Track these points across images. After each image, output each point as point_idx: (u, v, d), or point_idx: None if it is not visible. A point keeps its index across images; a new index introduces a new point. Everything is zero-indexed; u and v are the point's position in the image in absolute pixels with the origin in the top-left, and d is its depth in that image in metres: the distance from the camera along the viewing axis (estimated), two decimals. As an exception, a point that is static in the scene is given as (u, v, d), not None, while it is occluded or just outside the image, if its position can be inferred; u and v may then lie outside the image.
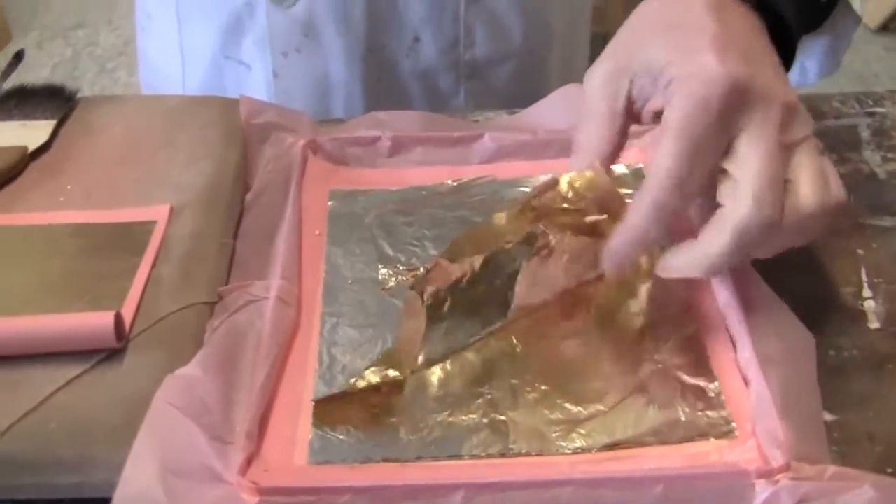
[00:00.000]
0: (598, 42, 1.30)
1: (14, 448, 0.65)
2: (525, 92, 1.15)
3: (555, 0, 1.18)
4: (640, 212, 0.67)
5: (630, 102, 0.73)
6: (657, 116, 0.70)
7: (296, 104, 1.05)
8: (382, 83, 1.12)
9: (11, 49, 3.22)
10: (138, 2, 1.23)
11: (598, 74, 0.73)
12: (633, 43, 0.73)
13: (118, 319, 0.69)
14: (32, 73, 0.90)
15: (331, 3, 1.05)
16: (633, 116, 0.74)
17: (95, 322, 0.69)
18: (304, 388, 0.71)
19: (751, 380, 0.69)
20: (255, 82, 1.13)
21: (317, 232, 0.84)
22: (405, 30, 1.09)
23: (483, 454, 0.66)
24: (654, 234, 0.67)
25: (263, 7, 1.07)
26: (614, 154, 0.74)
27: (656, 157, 0.66)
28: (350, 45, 1.08)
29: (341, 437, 0.67)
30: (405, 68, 1.12)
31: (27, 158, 0.90)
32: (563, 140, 0.91)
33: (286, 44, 1.09)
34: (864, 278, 0.79)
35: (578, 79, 1.28)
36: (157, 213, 0.82)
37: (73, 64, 3.42)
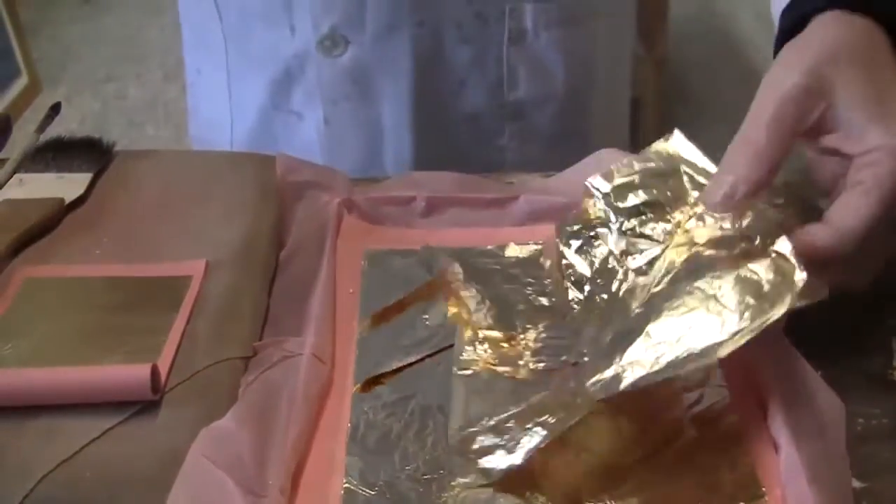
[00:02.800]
0: (631, 106, 1.31)
1: (48, 496, 0.65)
2: (568, 131, 1.18)
3: (597, 41, 1.19)
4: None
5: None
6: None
7: (346, 150, 1.09)
8: (430, 127, 1.13)
9: (45, 102, 3.26)
10: (188, 59, 1.25)
11: (792, 87, 0.72)
12: (830, 69, 0.72)
13: (154, 372, 0.70)
14: (62, 126, 0.91)
15: (378, 50, 1.07)
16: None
17: (132, 374, 0.70)
18: (336, 446, 0.71)
19: (781, 445, 0.69)
20: (305, 130, 1.14)
21: (350, 290, 0.85)
22: (452, 74, 1.10)
23: None
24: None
25: (314, 58, 1.08)
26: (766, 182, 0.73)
27: (844, 209, 0.69)
28: (398, 90, 1.10)
29: (373, 493, 0.67)
30: (452, 111, 1.13)
31: (63, 210, 0.91)
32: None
33: (336, 91, 1.10)
34: (894, 348, 0.79)
35: (620, 121, 1.31)
36: (193, 268, 0.83)
37: (101, 117, 3.45)
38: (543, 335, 0.79)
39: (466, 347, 0.77)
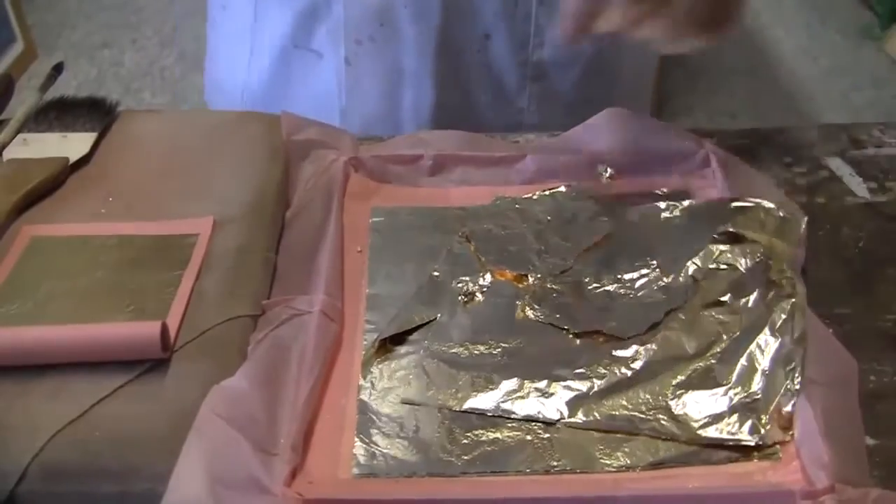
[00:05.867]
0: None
1: (58, 457, 0.65)
2: (589, 98, 1.15)
3: None
4: None
5: None
6: None
7: (364, 93, 1.08)
8: (451, 78, 1.11)
9: (41, 69, 3.24)
10: None
11: None
12: None
13: (164, 330, 0.69)
14: (57, 93, 0.90)
15: None
16: None
17: (142, 332, 0.69)
18: (347, 402, 0.71)
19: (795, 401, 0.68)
20: (324, 71, 1.12)
21: (358, 249, 0.84)
22: (478, 25, 1.09)
23: (527, 470, 0.66)
24: None
25: None
26: None
27: None
28: (423, 36, 1.08)
29: (386, 451, 0.67)
30: (474, 64, 1.11)
31: (68, 170, 0.90)
32: (608, 162, 0.91)
33: (360, 32, 1.08)
34: (906, 305, 0.79)
35: (645, 90, 1.29)
36: (201, 225, 0.82)
37: (97, 84, 3.43)
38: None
39: None
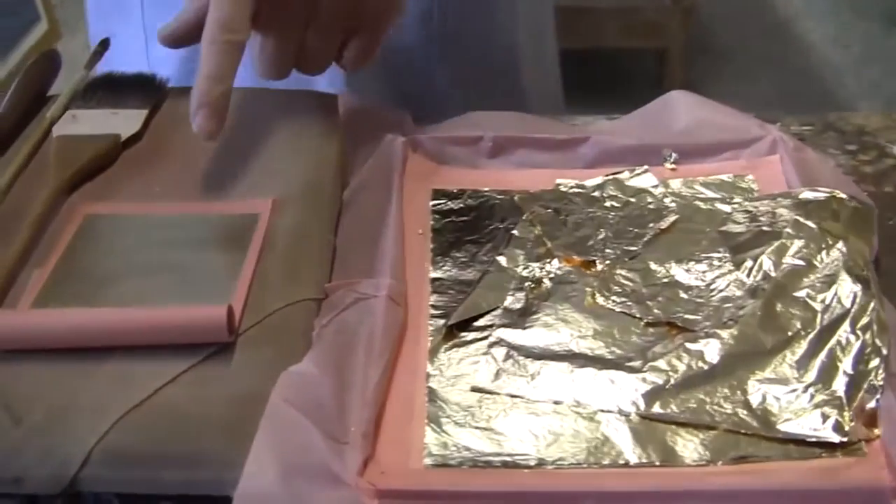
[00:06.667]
0: (653, 58, 1.29)
1: (122, 441, 0.62)
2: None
3: None
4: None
5: None
6: None
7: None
8: None
9: (65, 48, 3.22)
10: (93, 28, 1.29)
11: None
12: None
13: (230, 313, 0.67)
14: (79, 73, 0.89)
15: None
16: None
17: (207, 315, 0.67)
18: (415, 390, 0.69)
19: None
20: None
21: (419, 231, 0.82)
22: None
23: (605, 462, 0.64)
24: None
25: None
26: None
27: None
28: None
29: (458, 440, 0.65)
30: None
31: (120, 147, 0.88)
32: (672, 146, 0.89)
33: None
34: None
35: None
36: (260, 206, 0.80)
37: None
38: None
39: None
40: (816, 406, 0.66)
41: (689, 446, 0.65)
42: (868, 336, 0.70)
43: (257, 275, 0.74)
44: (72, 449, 0.62)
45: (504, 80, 1.05)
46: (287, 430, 0.62)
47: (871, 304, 0.72)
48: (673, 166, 0.89)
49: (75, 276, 0.75)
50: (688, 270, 0.78)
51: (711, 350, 0.71)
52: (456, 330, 0.74)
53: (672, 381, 0.69)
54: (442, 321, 0.74)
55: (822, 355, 0.70)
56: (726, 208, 0.84)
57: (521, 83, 1.06)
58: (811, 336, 0.71)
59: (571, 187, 0.86)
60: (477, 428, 0.66)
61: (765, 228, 0.80)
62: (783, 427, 0.66)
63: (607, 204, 0.85)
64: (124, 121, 0.90)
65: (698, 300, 0.75)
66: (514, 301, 0.75)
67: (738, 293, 0.75)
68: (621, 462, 0.64)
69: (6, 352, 0.68)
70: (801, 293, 0.74)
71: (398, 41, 1.07)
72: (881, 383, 0.67)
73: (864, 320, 0.71)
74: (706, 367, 0.70)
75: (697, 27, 3.37)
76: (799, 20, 3.68)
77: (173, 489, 0.63)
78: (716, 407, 0.67)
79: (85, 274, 0.75)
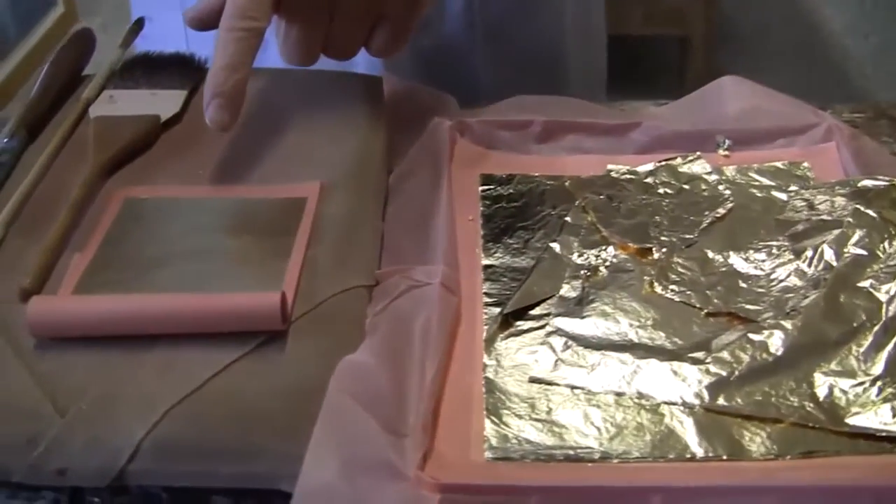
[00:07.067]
0: (675, 45, 1.27)
1: (172, 433, 0.60)
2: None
3: None
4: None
5: None
6: None
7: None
8: None
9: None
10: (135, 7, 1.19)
11: None
12: None
13: (283, 300, 0.65)
14: (98, 56, 0.87)
15: None
16: None
17: (261, 302, 0.65)
18: (472, 380, 0.66)
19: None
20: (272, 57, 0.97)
21: (469, 217, 0.80)
22: None
23: (671, 456, 0.62)
24: None
25: None
26: None
27: None
28: None
29: (519, 433, 0.63)
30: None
31: (160, 128, 0.85)
32: (725, 133, 0.86)
33: None
34: None
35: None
36: (308, 190, 0.77)
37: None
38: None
39: None
40: (886, 400, 0.64)
41: (755, 440, 0.63)
42: None
43: (307, 261, 0.71)
44: (119, 440, 0.60)
45: (548, 70, 1.02)
46: (346, 422, 0.60)
47: None
48: (726, 153, 0.87)
49: (117, 261, 0.72)
50: (746, 259, 0.75)
51: (775, 341, 0.68)
52: (511, 319, 0.71)
53: (736, 373, 0.66)
54: (496, 310, 0.72)
55: (890, 347, 0.67)
56: (783, 196, 0.81)
57: (566, 74, 1.03)
58: (877, 328, 0.69)
59: (623, 173, 0.84)
60: (537, 420, 0.64)
61: (824, 217, 0.78)
62: (852, 421, 0.63)
63: (661, 191, 0.82)
64: (163, 101, 0.88)
65: (758, 290, 0.73)
66: (569, 289, 0.73)
67: (800, 283, 0.73)
68: (687, 456, 0.62)
69: (49, 340, 0.66)
70: (865, 283, 0.72)
71: (439, 29, 1.06)
72: None
73: None
74: (770, 359, 0.67)
75: (719, 15, 3.34)
76: (820, 8, 3.65)
77: (225, 483, 0.60)
78: (782, 400, 0.65)
79: (127, 259, 0.73)
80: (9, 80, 2.60)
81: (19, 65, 2.81)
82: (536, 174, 0.85)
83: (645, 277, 0.74)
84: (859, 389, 0.65)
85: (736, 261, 0.75)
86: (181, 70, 0.92)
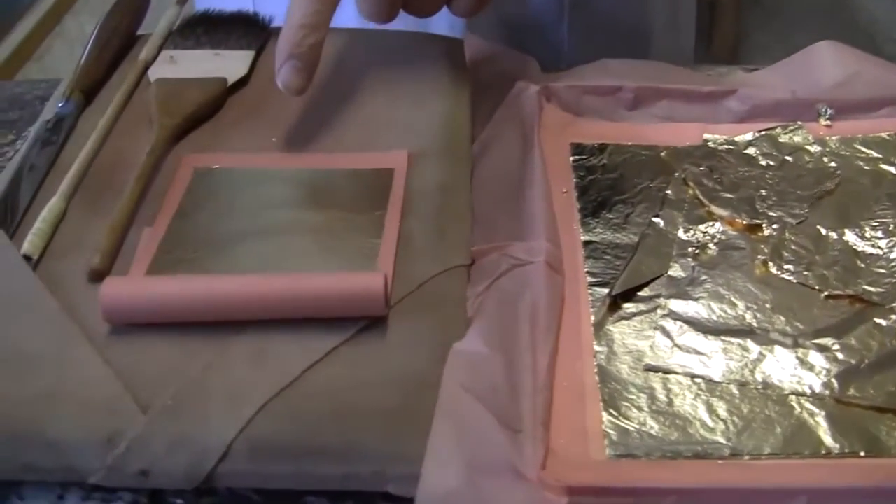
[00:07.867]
0: (704, 8, 1.21)
1: (267, 431, 0.54)
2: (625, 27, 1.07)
3: None
4: None
5: None
6: None
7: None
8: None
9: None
10: None
11: None
12: None
13: (385, 282, 0.59)
14: (151, 16, 0.83)
15: None
16: None
17: (363, 284, 0.59)
18: (584, 369, 0.61)
19: None
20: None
21: (563, 190, 0.74)
22: None
23: (806, 452, 0.57)
24: None
25: None
26: None
27: None
28: None
29: (640, 427, 0.58)
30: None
31: (226, 92, 0.80)
32: (828, 101, 0.81)
33: None
34: None
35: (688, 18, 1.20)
36: (395, 159, 0.72)
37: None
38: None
39: None
40: None
41: (894, 434, 0.58)
42: None
43: (401, 238, 0.66)
44: (209, 439, 0.54)
45: (634, 40, 0.96)
46: (466, 420, 0.54)
47: None
48: (828, 122, 0.81)
49: (190, 237, 0.67)
50: (862, 237, 0.70)
51: None
52: (619, 300, 0.66)
53: (867, 361, 0.61)
54: (601, 290, 0.67)
55: None
56: (892, 170, 0.76)
57: (651, 47, 0.98)
58: None
59: (721, 143, 0.79)
60: (658, 412, 0.59)
61: None
62: None
63: (763, 162, 0.77)
64: (229, 63, 0.82)
65: (879, 270, 0.68)
66: (679, 269, 0.68)
67: None
68: (822, 452, 0.57)
69: (125, 326, 0.60)
70: None
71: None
72: None
73: None
74: None
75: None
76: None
77: (325, 484, 0.55)
78: None
79: (200, 235, 0.67)
80: (25, 42, 2.57)
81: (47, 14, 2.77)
82: (629, 143, 0.80)
83: (759, 256, 0.69)
84: None
85: (851, 238, 0.70)
86: (245, 30, 0.86)
